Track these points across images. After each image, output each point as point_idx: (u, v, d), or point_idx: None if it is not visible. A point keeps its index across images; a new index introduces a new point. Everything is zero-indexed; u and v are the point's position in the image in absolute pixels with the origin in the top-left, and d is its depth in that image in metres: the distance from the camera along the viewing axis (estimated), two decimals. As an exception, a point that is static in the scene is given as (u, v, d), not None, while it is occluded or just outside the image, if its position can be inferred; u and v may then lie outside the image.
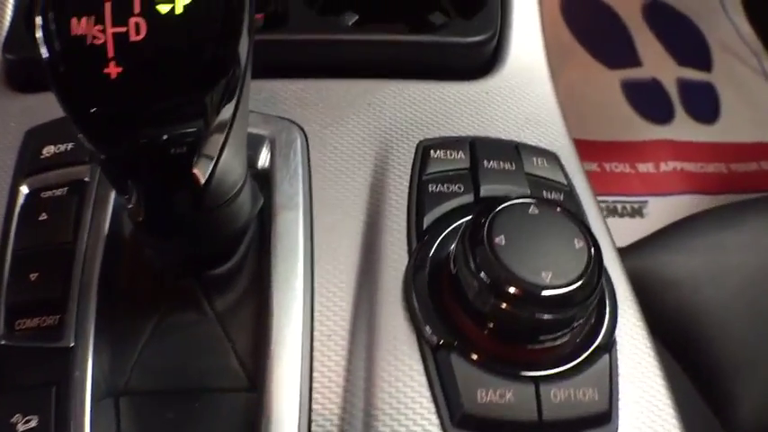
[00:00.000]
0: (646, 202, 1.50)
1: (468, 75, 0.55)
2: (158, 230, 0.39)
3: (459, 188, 0.46)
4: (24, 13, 0.55)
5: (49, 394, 0.39)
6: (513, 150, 0.49)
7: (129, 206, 0.36)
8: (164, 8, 0.26)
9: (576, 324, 0.39)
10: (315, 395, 0.40)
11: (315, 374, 0.41)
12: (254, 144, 0.48)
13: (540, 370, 0.40)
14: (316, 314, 0.43)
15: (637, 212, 1.48)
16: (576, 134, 1.67)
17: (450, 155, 0.48)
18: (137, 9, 0.26)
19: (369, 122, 0.51)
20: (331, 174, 0.48)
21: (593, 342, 0.41)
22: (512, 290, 0.37)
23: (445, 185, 0.47)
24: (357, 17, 0.58)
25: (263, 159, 0.48)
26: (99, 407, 0.40)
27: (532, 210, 0.40)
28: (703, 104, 1.66)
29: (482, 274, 0.38)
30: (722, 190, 1.55)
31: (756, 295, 0.87)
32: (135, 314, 0.43)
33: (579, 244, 0.39)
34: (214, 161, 0.34)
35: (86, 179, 0.46)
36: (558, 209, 0.40)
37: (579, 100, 1.58)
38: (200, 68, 0.29)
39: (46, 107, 0.49)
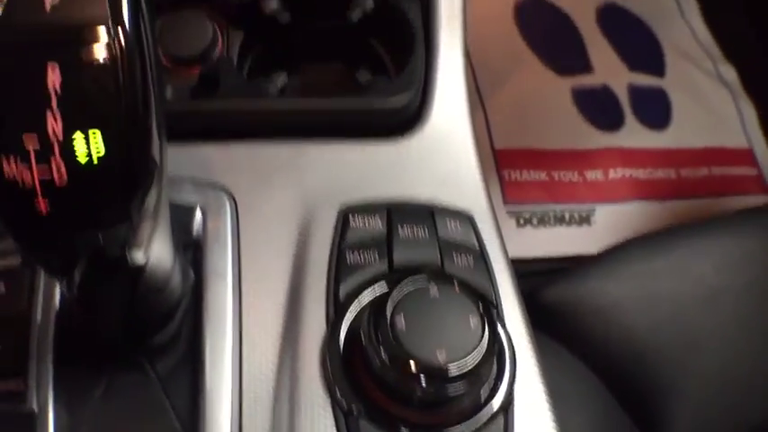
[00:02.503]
0: (593, 209, 1.52)
1: (392, 132, 0.59)
2: (95, 315, 0.44)
3: (374, 257, 0.50)
4: None
5: None
6: (428, 215, 0.53)
7: (65, 290, 0.41)
8: (83, 158, 0.30)
9: (469, 392, 0.44)
10: None
11: None
12: (186, 214, 0.52)
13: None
14: (244, 378, 0.47)
15: (584, 220, 1.51)
16: (525, 143, 1.69)
17: (368, 222, 0.52)
18: (56, 153, 0.30)
19: (294, 186, 0.55)
20: (259, 240, 0.52)
21: (491, 403, 0.46)
22: (408, 367, 0.42)
23: (361, 254, 0.51)
24: (286, 77, 0.62)
25: (197, 228, 0.52)
26: None
27: (433, 291, 0.44)
28: (654, 110, 1.66)
29: (383, 352, 0.42)
30: (671, 196, 1.57)
31: (686, 320, 0.89)
32: (87, 378, 0.47)
33: (474, 321, 0.43)
34: (143, 250, 0.37)
35: None
36: (457, 286, 0.45)
37: (529, 108, 1.60)
38: (118, 195, 0.33)
39: None
